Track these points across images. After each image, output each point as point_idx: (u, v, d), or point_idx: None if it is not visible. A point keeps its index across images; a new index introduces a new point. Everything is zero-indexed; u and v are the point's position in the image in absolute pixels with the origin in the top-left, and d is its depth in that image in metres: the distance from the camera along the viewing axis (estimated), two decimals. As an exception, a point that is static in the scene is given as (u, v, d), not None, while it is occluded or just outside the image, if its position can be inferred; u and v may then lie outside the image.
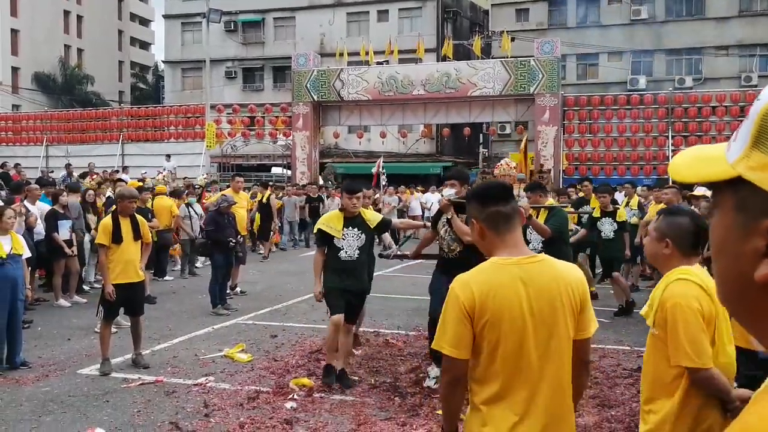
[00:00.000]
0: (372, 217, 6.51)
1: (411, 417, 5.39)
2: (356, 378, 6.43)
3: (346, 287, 6.19)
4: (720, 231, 0.69)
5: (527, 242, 6.78)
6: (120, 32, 53.16)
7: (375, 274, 7.37)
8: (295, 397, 5.85)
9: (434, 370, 6.20)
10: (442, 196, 6.51)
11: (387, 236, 8.10)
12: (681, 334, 2.58)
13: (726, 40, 31.57)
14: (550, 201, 7.57)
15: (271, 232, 15.92)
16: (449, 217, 5.97)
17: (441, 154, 33.41)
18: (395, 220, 7.48)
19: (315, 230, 6.44)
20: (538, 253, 6.40)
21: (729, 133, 21.67)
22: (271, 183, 21.19)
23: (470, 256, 5.70)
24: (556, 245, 6.75)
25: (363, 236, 6.25)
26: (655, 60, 32.79)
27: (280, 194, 18.56)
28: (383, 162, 21.86)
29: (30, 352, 7.27)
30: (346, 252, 6.18)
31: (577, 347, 2.52)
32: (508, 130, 30.99)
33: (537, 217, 7.15)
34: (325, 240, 6.26)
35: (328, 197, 21.25)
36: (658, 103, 22.51)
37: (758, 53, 31.40)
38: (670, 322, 2.61)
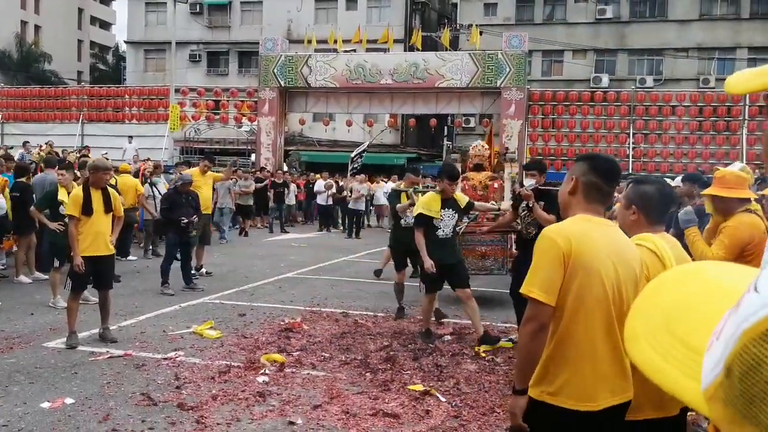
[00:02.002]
0: (461, 198, 7.27)
1: (382, 392, 5.46)
2: (327, 354, 6.48)
3: (444, 261, 6.85)
4: None
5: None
6: (80, 10, 51.86)
7: (342, 259, 7.75)
8: (267, 371, 5.87)
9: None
10: (522, 185, 7.22)
11: None
12: None
13: (686, 42, 32.33)
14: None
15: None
16: (530, 204, 6.52)
17: (405, 145, 33.52)
18: (476, 203, 8.01)
19: (415, 213, 7.03)
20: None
21: (688, 132, 22.30)
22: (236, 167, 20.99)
23: None
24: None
25: (456, 215, 7.03)
26: (618, 59, 33.40)
27: None
28: (365, 151, 21.89)
29: (-8, 325, 7.14)
30: (443, 231, 6.92)
31: None
32: (472, 124, 31.25)
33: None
34: (424, 221, 6.88)
35: (291, 183, 21.25)
36: (621, 101, 22.96)
37: (716, 56, 32.22)
38: None
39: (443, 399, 5.34)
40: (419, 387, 5.56)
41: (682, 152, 22.33)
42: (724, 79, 0.74)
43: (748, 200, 4.62)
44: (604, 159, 2.87)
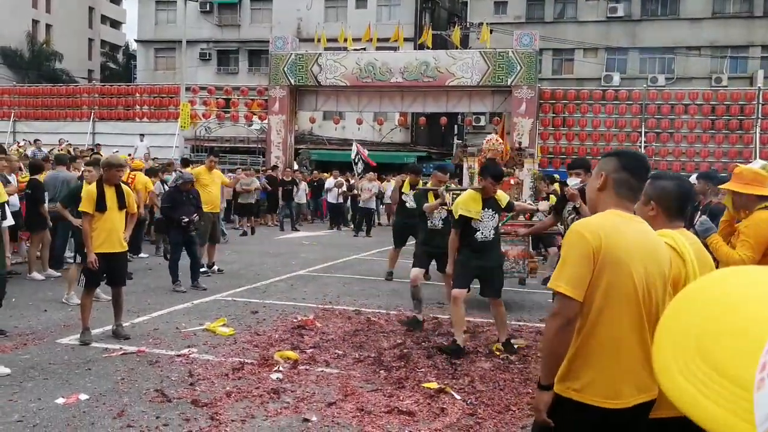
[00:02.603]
0: (502, 197, 6.70)
1: (397, 389, 5.43)
2: (340, 352, 6.45)
3: (481, 265, 6.40)
4: None
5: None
6: (90, 9, 52.02)
7: (354, 257, 7.43)
8: (280, 368, 5.85)
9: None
10: (566, 185, 6.60)
11: None
12: None
13: (698, 40, 32.10)
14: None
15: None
16: (578, 205, 6.00)
17: (415, 143, 33.46)
18: (515, 203, 7.43)
19: (455, 215, 6.49)
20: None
21: (701, 131, 22.15)
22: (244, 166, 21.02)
23: None
24: None
25: (496, 216, 6.53)
26: (629, 57, 33.22)
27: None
28: (359, 153, 21.80)
29: (5, 322, 7.13)
30: (482, 233, 6.40)
31: None
32: (482, 122, 31.14)
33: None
34: (462, 223, 6.40)
35: (302, 181, 21.24)
36: (633, 100, 22.82)
37: (729, 55, 31.99)
38: None
39: (458, 397, 5.30)
40: (434, 385, 5.52)
41: (694, 151, 22.19)
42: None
43: (767, 198, 4.56)
44: (633, 155, 2.82)
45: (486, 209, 6.43)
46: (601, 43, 32.80)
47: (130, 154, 19.00)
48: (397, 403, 5.10)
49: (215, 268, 10.91)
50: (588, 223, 2.58)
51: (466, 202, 6.43)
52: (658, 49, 32.63)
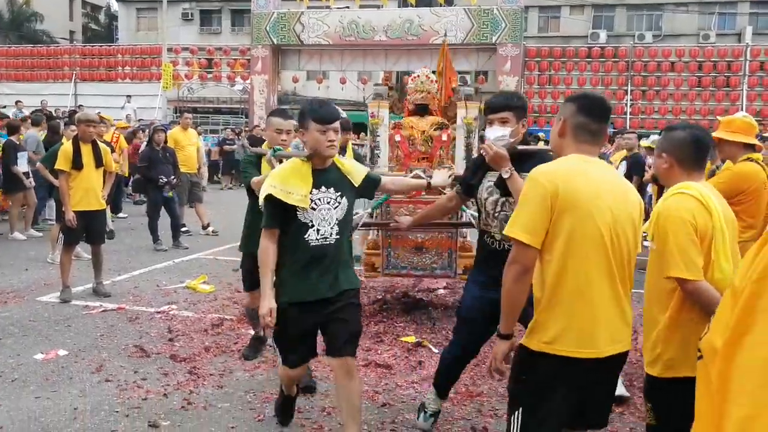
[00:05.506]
0: (353, 169, 3.59)
1: (375, 343, 5.49)
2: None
3: (319, 297, 3.37)
4: None
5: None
6: (71, -32, 50.89)
7: None
8: (260, 324, 5.88)
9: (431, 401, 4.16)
10: (487, 139, 3.56)
11: None
12: (671, 245, 2.54)
13: (686, -3, 31.85)
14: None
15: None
16: (506, 176, 3.38)
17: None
18: (384, 178, 3.88)
19: (261, 198, 3.38)
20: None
21: (687, 88, 22.11)
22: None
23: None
24: None
25: (344, 201, 3.45)
26: (616, 15, 32.94)
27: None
28: (353, 111, 21.61)
29: (-15, 281, 7.16)
30: (318, 231, 3.36)
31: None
32: (468, 82, 30.94)
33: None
34: (278, 215, 3.34)
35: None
36: (619, 57, 22.70)
37: (717, 11, 31.77)
38: (661, 233, 2.58)
39: (436, 350, 5.36)
40: (412, 339, 5.58)
41: (680, 109, 22.17)
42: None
43: (752, 147, 4.59)
44: (591, 97, 2.73)
45: (322, 188, 3.40)
46: (588, 0, 32.48)
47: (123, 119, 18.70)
48: (374, 357, 5.16)
49: (210, 229, 10.80)
50: (545, 168, 2.53)
51: (285, 178, 3.36)
52: (646, 5, 32.36)
